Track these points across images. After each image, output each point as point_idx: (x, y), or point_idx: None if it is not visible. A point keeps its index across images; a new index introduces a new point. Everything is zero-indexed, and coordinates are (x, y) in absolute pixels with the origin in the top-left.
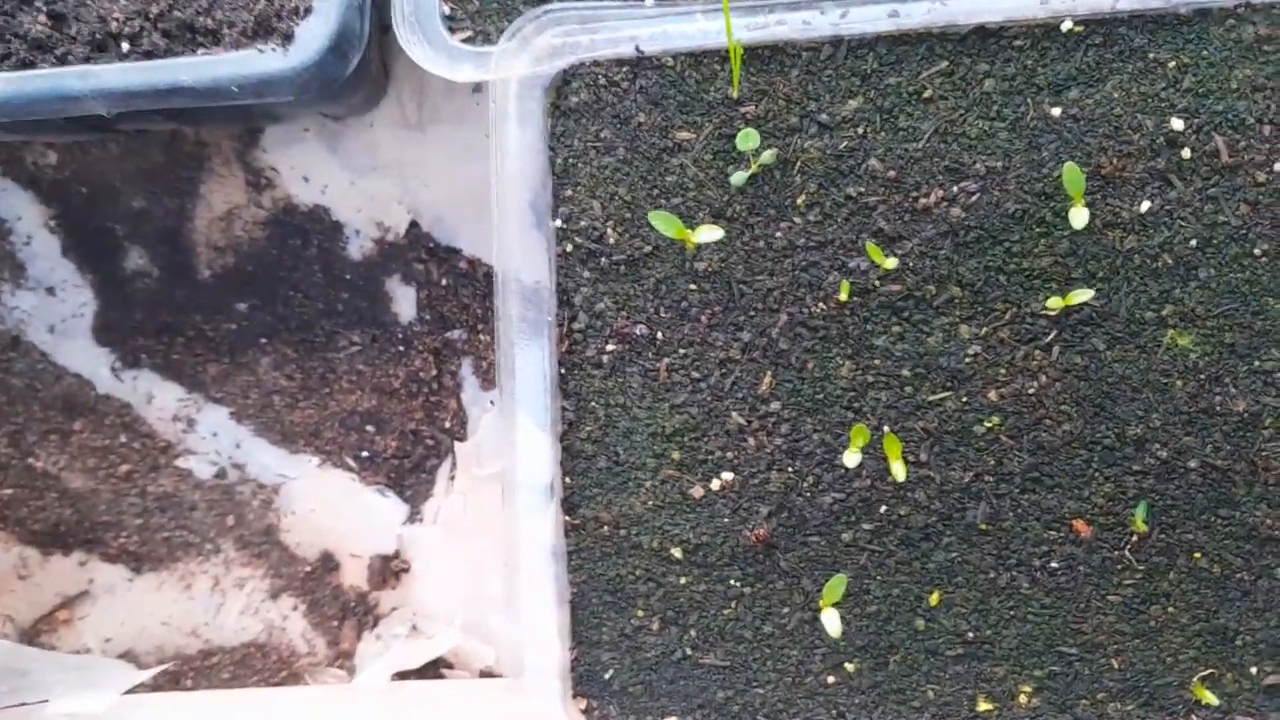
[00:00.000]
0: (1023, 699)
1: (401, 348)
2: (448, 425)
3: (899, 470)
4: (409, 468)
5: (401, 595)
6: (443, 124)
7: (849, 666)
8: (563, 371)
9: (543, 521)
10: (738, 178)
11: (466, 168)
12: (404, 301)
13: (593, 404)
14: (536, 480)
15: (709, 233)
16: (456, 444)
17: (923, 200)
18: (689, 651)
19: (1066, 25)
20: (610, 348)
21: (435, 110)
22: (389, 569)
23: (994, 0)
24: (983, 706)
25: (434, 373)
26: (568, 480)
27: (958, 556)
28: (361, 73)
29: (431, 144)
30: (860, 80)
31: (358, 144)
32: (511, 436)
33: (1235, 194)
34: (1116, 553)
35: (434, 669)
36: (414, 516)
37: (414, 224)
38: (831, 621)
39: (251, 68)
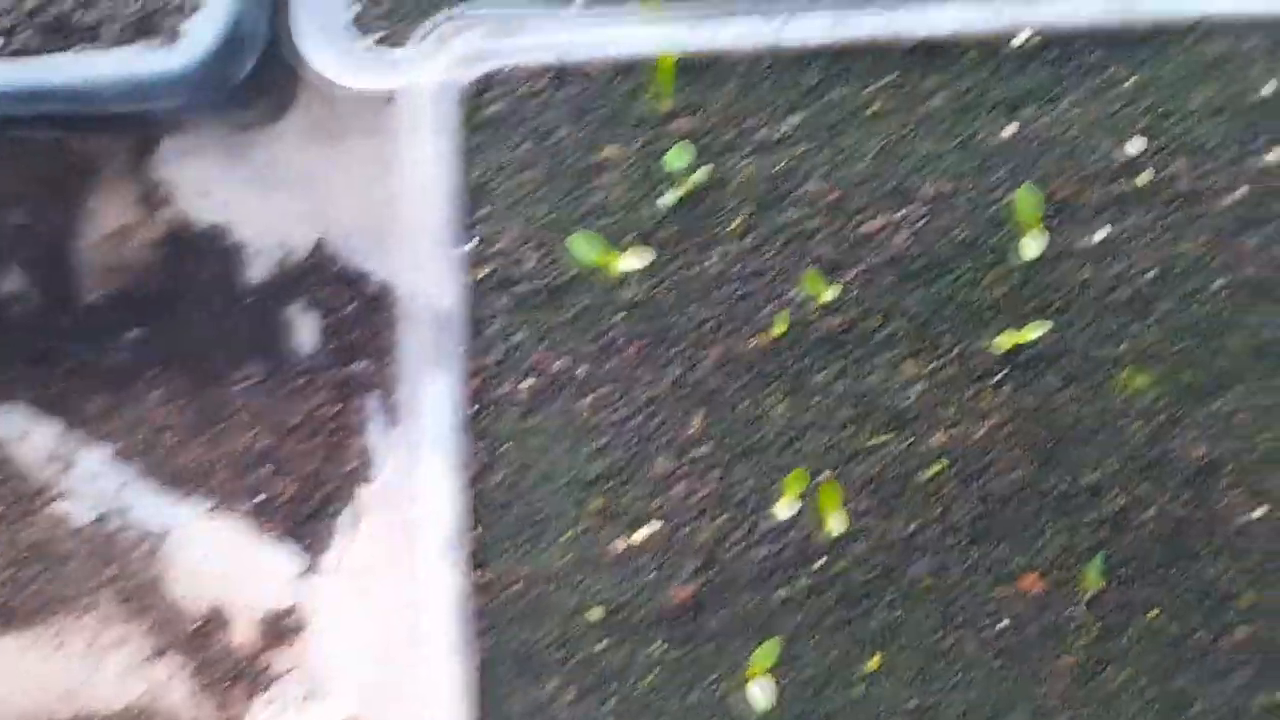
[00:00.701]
0: None
1: (303, 381)
2: (352, 467)
3: (836, 523)
4: (309, 514)
5: (298, 654)
6: (357, 135)
7: None
8: (475, 410)
9: (448, 578)
10: (667, 198)
11: (381, 184)
12: (307, 330)
13: (507, 446)
14: (442, 532)
15: (634, 258)
16: (360, 487)
17: (866, 226)
18: None
19: (1021, 39)
20: (527, 384)
21: (349, 120)
22: (284, 626)
23: (945, 10)
24: None
25: (338, 409)
26: (478, 532)
27: (900, 616)
28: (264, 77)
29: (344, 157)
30: (801, 95)
31: (263, 156)
32: (415, 482)
33: (1196, 222)
34: (1070, 610)
35: None
36: (314, 567)
37: (321, 245)
38: (759, 693)
39: (131, 68)
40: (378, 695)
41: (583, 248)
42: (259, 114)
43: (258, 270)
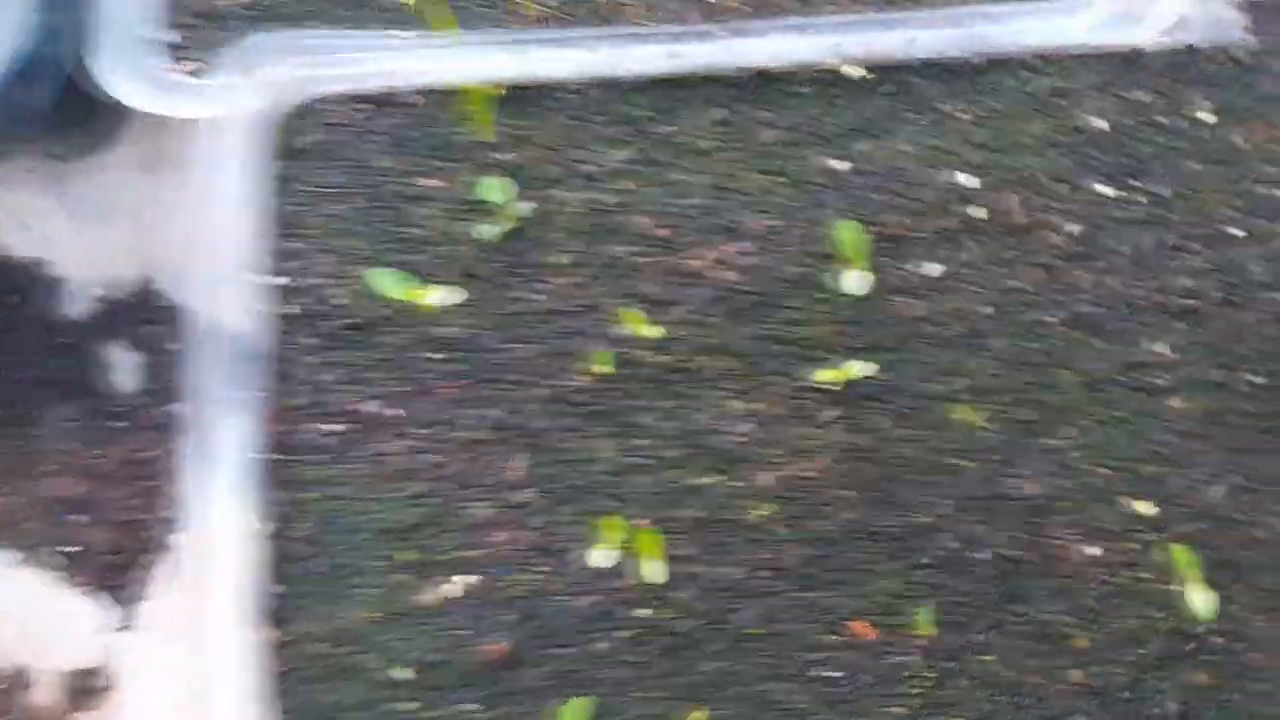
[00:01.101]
0: None
1: (121, 424)
2: (168, 515)
3: (654, 571)
4: (122, 565)
5: (104, 717)
6: (182, 167)
7: None
8: (277, 456)
9: (246, 637)
10: (485, 231)
11: (202, 217)
12: (127, 370)
13: (311, 495)
14: (239, 588)
15: (445, 294)
16: (175, 537)
17: (694, 262)
18: None
19: (854, 72)
20: (335, 428)
21: (175, 151)
22: (91, 685)
23: (781, 42)
24: None
25: (156, 454)
26: (278, 588)
27: (726, 666)
28: (78, 106)
29: (170, 190)
30: (631, 129)
31: (86, 188)
32: (214, 534)
33: (1029, 257)
34: (902, 657)
35: None
36: (126, 623)
37: (145, 281)
38: None
39: None
40: None
41: (385, 283)
42: (78, 144)
43: (78, 307)
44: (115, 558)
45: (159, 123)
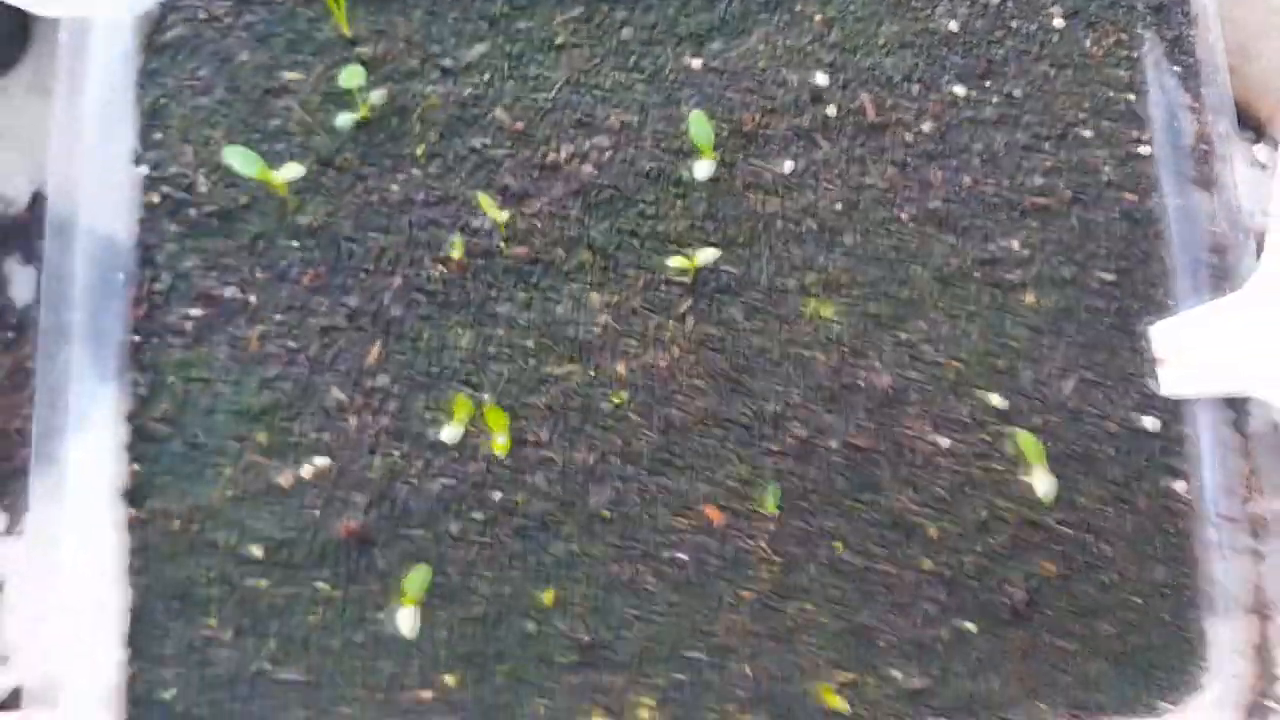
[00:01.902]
0: (643, 713)
1: (12, 334)
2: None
3: (502, 443)
4: (10, 472)
5: None
6: (65, 75)
7: (448, 679)
8: (137, 340)
9: (105, 516)
10: (343, 119)
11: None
12: (22, 283)
13: (170, 378)
14: (95, 468)
15: (292, 170)
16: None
17: (552, 156)
18: (267, 666)
19: None
20: (195, 312)
21: (65, 70)
22: None
23: None
24: None
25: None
26: (135, 468)
27: (577, 548)
28: None
29: (58, 102)
30: (488, 24)
31: None
32: (82, 421)
33: (882, 155)
34: (751, 543)
35: (16, 703)
36: (12, 528)
37: (39, 197)
38: (406, 620)
39: None
40: (51, 652)
41: (241, 161)
42: None
43: None
44: (3, 465)
45: (49, 48)
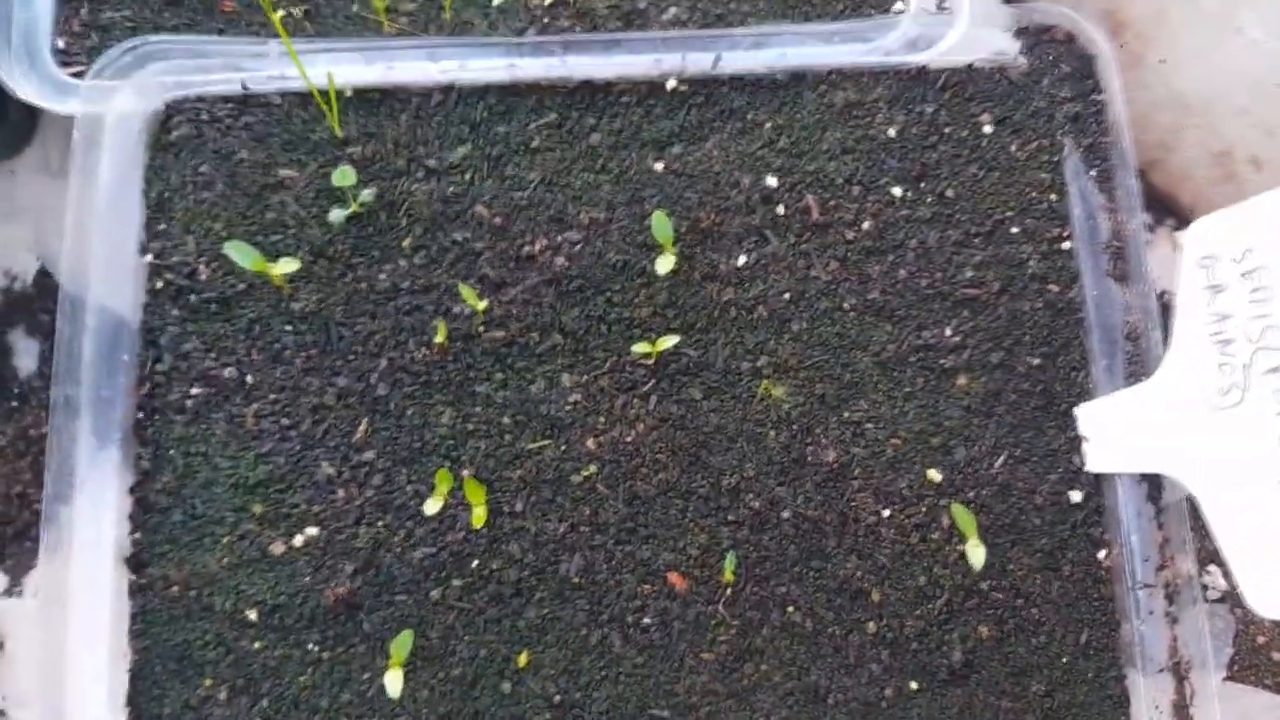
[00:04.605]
0: None
1: (16, 403)
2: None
3: (480, 514)
4: (11, 535)
5: None
6: (79, 165)
7: None
8: (140, 417)
9: (109, 582)
10: (336, 215)
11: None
12: (27, 355)
13: (171, 452)
14: (102, 536)
15: (288, 265)
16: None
17: (527, 248)
18: None
19: (671, 84)
20: (195, 391)
21: (75, 153)
22: None
23: (609, 57)
24: None
25: (46, 430)
26: (137, 536)
27: (549, 613)
28: None
29: (68, 188)
30: (469, 128)
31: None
32: (89, 492)
33: (826, 250)
34: (711, 607)
35: None
36: (13, 589)
37: (45, 273)
38: (393, 683)
39: None
40: (55, 708)
41: (240, 254)
42: None
43: None
44: (5, 528)
45: (65, 130)
